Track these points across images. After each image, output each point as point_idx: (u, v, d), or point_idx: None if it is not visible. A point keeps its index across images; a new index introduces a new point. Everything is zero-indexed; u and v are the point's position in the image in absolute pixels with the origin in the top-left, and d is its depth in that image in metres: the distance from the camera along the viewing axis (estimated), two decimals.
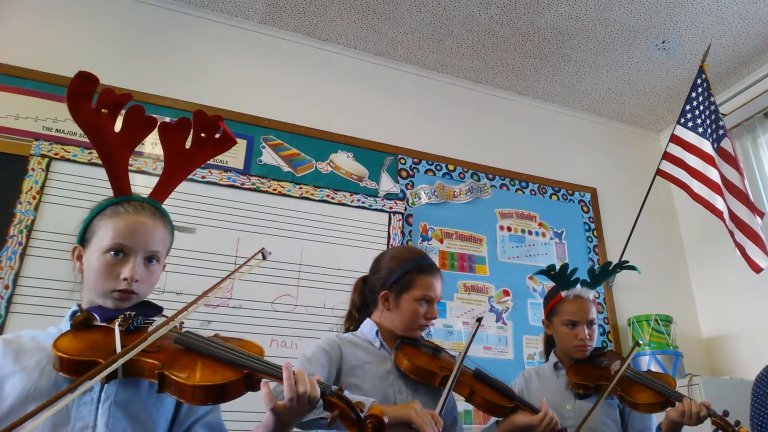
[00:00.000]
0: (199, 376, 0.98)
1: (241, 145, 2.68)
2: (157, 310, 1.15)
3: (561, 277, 1.91)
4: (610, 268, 1.99)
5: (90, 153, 2.38)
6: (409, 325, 1.57)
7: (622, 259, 2.07)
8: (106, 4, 2.72)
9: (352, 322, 1.71)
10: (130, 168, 1.21)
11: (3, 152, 2.26)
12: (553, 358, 1.97)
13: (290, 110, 2.87)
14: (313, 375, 1.27)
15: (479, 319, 1.57)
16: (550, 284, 2.01)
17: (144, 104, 2.47)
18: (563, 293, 1.91)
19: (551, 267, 1.92)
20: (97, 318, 1.07)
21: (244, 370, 1.02)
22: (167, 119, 1.11)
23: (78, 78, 1.09)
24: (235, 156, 2.65)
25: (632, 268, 2.16)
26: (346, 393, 1.07)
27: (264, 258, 1.08)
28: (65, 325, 1.12)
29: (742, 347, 3.08)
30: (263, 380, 1.04)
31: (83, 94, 1.10)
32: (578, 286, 1.91)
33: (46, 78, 2.42)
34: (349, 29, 3.02)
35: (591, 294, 1.92)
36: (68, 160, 2.34)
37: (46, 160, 2.30)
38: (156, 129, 1.21)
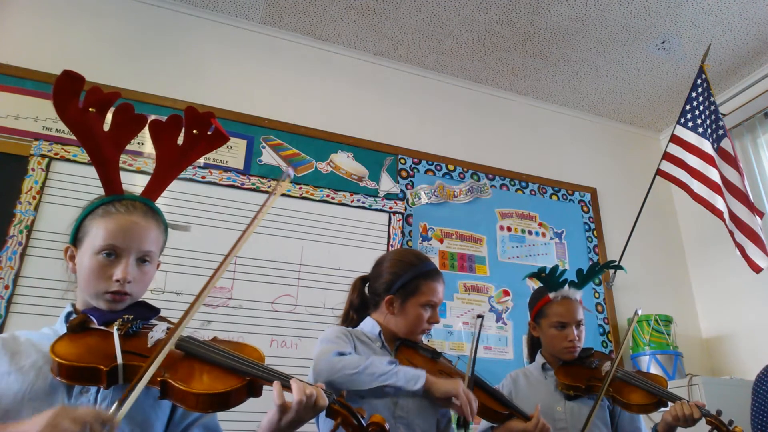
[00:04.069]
0: (202, 384, 0.97)
1: (241, 145, 2.67)
2: (154, 312, 1.14)
3: (551, 278, 1.91)
4: (597, 268, 1.99)
5: None
6: (413, 329, 1.58)
7: (621, 259, 2.07)
8: (106, 5, 2.72)
9: (350, 323, 1.69)
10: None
11: (3, 152, 2.26)
12: (540, 359, 1.95)
13: (290, 110, 2.86)
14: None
15: (480, 316, 1.56)
16: None
17: (143, 104, 2.49)
18: (551, 295, 1.90)
19: (542, 269, 1.92)
20: (94, 321, 1.05)
21: (246, 377, 1.01)
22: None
23: (63, 77, 1.06)
24: (235, 156, 2.65)
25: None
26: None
27: (290, 177, 1.08)
28: (60, 326, 1.11)
29: (742, 347, 3.08)
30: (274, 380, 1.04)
31: (69, 92, 1.07)
32: (566, 287, 1.90)
33: (46, 78, 2.42)
34: (349, 29, 3.02)
35: (578, 295, 1.92)
36: (68, 160, 2.33)
37: (46, 160, 2.30)
38: (147, 127, 1.19)
